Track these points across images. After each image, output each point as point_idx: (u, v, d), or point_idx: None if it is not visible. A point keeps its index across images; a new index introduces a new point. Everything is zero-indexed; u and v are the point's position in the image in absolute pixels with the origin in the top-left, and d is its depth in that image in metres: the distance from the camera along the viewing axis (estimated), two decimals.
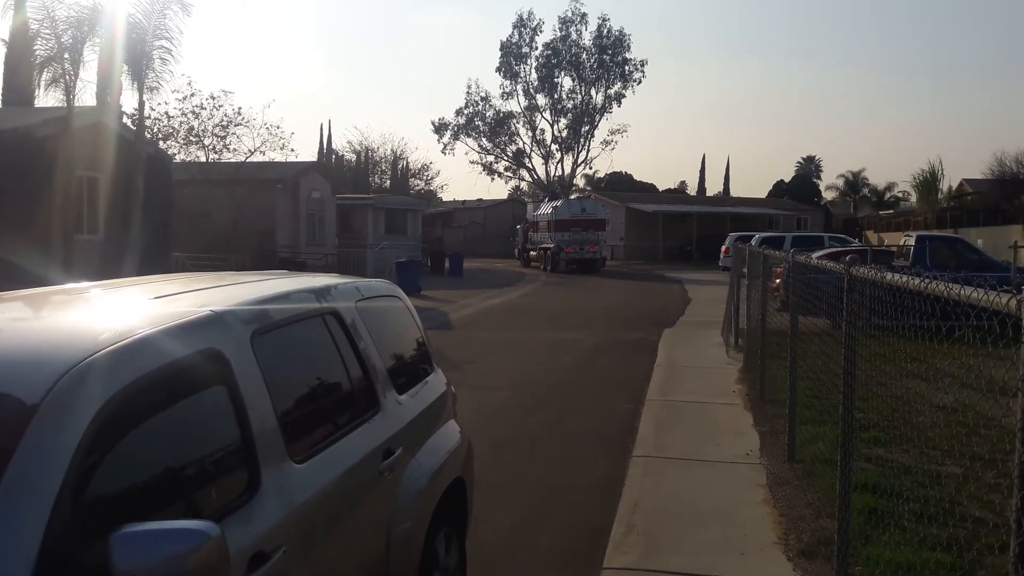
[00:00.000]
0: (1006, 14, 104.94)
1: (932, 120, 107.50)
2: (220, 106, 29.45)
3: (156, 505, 2.19)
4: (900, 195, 63.16)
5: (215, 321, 2.69)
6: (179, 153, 29.09)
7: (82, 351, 2.15)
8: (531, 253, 43.47)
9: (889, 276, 3.62)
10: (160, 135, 28.07)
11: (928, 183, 46.82)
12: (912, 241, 17.38)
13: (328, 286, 3.68)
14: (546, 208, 42.50)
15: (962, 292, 2.61)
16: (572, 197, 47.74)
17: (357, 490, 3.17)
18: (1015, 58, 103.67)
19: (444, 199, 67.56)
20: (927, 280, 3.00)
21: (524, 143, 59.37)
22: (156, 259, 19.10)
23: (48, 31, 18.29)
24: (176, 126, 28.96)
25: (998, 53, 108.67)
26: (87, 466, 1.94)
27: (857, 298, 4.41)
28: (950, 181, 50.54)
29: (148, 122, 25.14)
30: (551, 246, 39.47)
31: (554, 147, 58.93)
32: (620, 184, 67.50)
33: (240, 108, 30.76)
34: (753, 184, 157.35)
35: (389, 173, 61.04)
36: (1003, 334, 2.48)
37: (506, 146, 59.62)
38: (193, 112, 29.04)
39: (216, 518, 2.26)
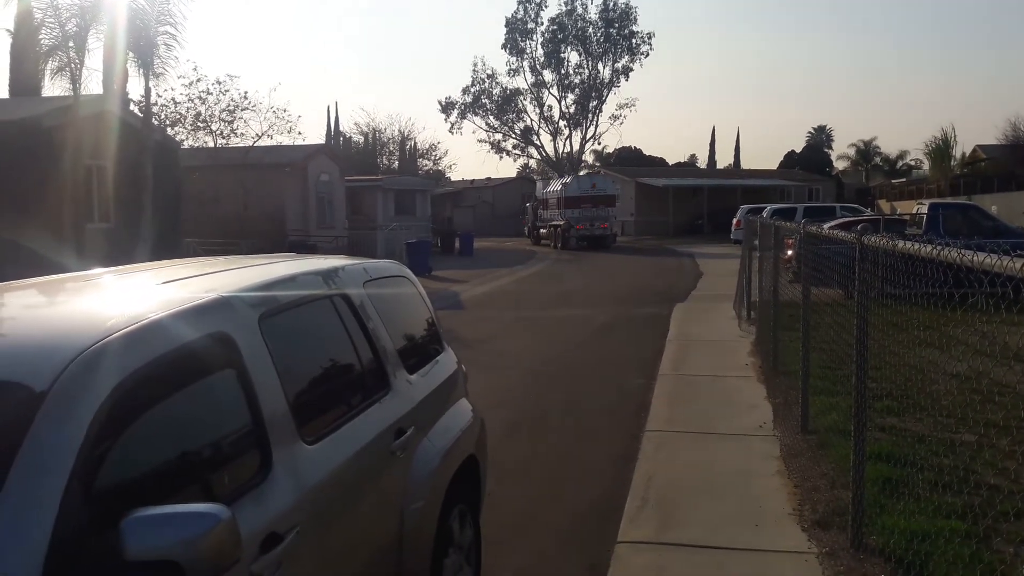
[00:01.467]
0: None
1: (944, 86, 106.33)
2: (226, 91, 29.41)
3: (167, 489, 2.20)
4: (913, 163, 62.64)
5: (223, 305, 2.69)
6: (187, 139, 29.10)
7: (90, 338, 2.15)
8: (541, 231, 43.32)
9: (901, 244, 3.58)
10: (167, 121, 28.04)
11: (941, 150, 46.31)
12: (925, 209, 17.22)
13: (335, 268, 3.67)
14: (556, 185, 42.29)
15: (975, 258, 2.57)
16: (581, 173, 47.53)
17: (369, 470, 3.18)
18: None
19: (453, 179, 67.47)
20: (940, 247, 2.96)
21: (532, 120, 59.25)
22: (167, 245, 19.15)
23: (52, 20, 18.30)
24: (183, 112, 28.93)
25: (1010, 17, 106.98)
26: (97, 453, 1.95)
27: (869, 267, 4.37)
28: (963, 148, 50.01)
29: (155, 109, 25.09)
30: (561, 223, 39.29)
31: (562, 123, 58.77)
32: (629, 159, 67.11)
33: (246, 92, 30.63)
34: (764, 156, 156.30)
35: (397, 154, 60.93)
36: (1017, 299, 2.45)
37: (514, 123, 59.47)
38: (200, 97, 29.01)
39: (228, 501, 2.27)
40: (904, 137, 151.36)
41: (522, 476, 6.15)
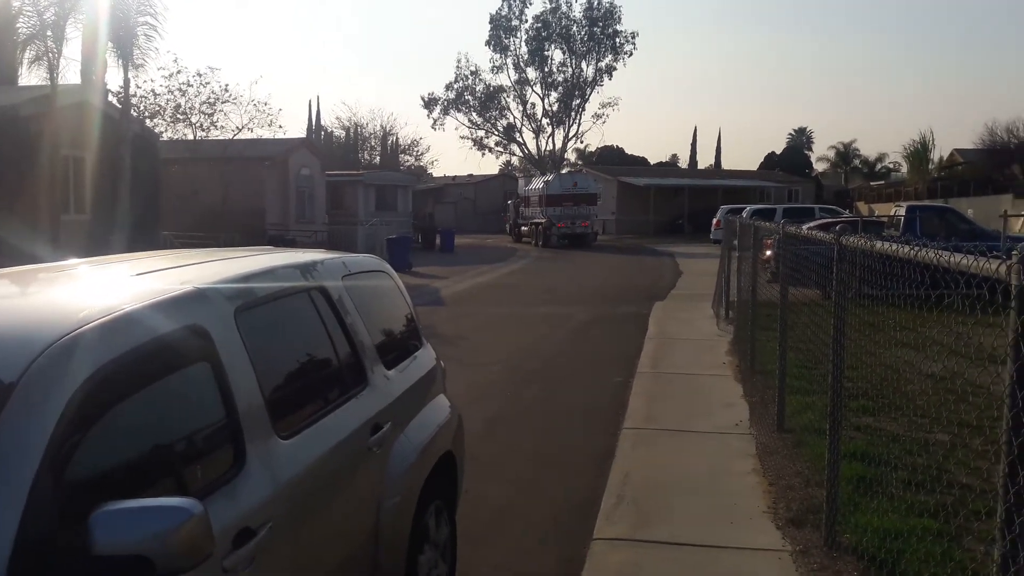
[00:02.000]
0: None
1: (923, 90, 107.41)
2: (207, 83, 29.19)
3: (139, 483, 2.17)
4: (891, 166, 63.25)
5: (198, 297, 2.66)
6: (166, 131, 28.84)
7: (61, 329, 2.12)
8: (522, 228, 43.37)
9: (879, 244, 3.61)
10: (147, 113, 27.76)
11: (919, 153, 46.77)
12: (903, 211, 17.40)
13: (314, 262, 3.64)
14: (537, 183, 42.34)
15: (952, 259, 2.59)
16: (563, 171, 47.57)
17: (345, 465, 3.15)
18: (1006, 27, 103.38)
19: (434, 175, 67.30)
20: (917, 248, 2.99)
21: (515, 117, 59.23)
22: (144, 238, 18.94)
23: (30, 8, 18.09)
24: (163, 104, 28.68)
25: (989, 22, 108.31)
26: (67, 445, 1.92)
27: (847, 267, 4.41)
28: (941, 151, 50.56)
29: (134, 100, 24.86)
30: (543, 221, 39.37)
31: (545, 121, 58.78)
32: (611, 158, 67.24)
33: (227, 85, 30.55)
34: (744, 156, 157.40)
35: (379, 149, 60.69)
36: (992, 300, 2.47)
37: (496, 120, 59.40)
38: (180, 89, 28.76)
39: (201, 495, 2.24)
40: (883, 140, 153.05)
41: (499, 473, 6.15)
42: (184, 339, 2.47)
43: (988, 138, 43.35)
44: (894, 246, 3.30)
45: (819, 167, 69.87)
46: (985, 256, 2.37)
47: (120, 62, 19.57)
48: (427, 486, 3.71)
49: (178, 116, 29.10)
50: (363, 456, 3.29)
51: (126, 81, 20.10)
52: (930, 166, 47.34)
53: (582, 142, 62.27)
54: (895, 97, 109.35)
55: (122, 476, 2.14)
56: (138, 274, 3.02)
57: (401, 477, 3.51)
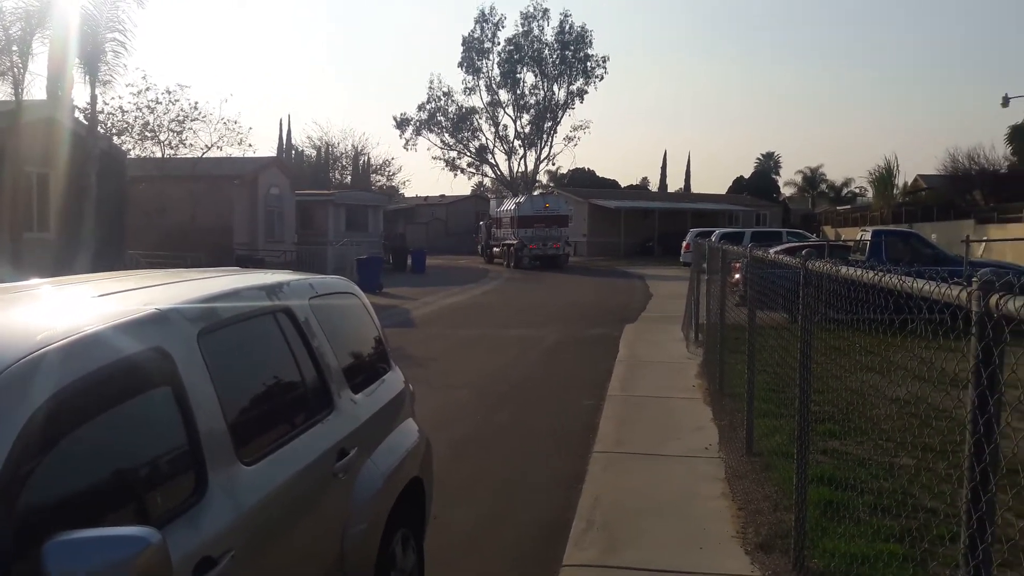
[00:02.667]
0: (958, 13, 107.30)
1: (888, 117, 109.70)
2: (176, 100, 28.90)
3: (96, 511, 2.11)
4: (857, 191, 64.38)
5: (160, 319, 2.61)
6: (134, 148, 28.47)
7: (18, 351, 2.07)
8: (494, 249, 43.43)
9: (844, 270, 3.65)
10: (114, 130, 27.42)
11: (884, 179, 47.69)
12: (868, 236, 17.66)
13: (280, 283, 3.60)
14: (509, 204, 42.50)
15: (915, 285, 2.62)
16: (535, 193, 47.80)
17: (310, 492, 3.10)
18: (968, 55, 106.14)
19: (406, 195, 67.24)
20: (881, 274, 3.02)
21: (487, 139, 59.43)
22: (110, 257, 18.67)
23: None
24: (131, 121, 28.31)
25: (952, 51, 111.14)
26: (23, 471, 1.87)
27: (813, 292, 4.45)
28: (905, 177, 51.65)
29: (101, 117, 24.53)
30: (514, 242, 39.47)
31: (517, 143, 59.04)
32: (583, 180, 67.70)
33: (197, 103, 30.27)
34: (714, 180, 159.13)
35: (350, 169, 60.57)
36: (954, 327, 2.50)
37: (469, 142, 59.57)
38: (148, 107, 28.43)
39: (160, 523, 2.20)
40: (849, 165, 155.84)
41: (468, 498, 6.09)
42: (145, 362, 2.43)
43: (950, 164, 44.41)
44: (859, 271, 3.34)
45: (787, 191, 70.98)
46: (947, 282, 2.41)
47: (87, 78, 19.36)
48: (394, 512, 3.66)
49: (146, 133, 28.78)
50: (328, 482, 3.24)
51: (93, 98, 19.88)
52: (895, 191, 48.29)
53: (554, 164, 62.67)
54: (861, 123, 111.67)
55: (79, 503, 2.09)
56: (100, 295, 2.96)
57: (367, 503, 3.46)
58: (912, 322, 3.08)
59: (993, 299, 2.06)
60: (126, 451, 2.34)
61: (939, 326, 2.78)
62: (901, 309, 3.07)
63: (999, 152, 43.77)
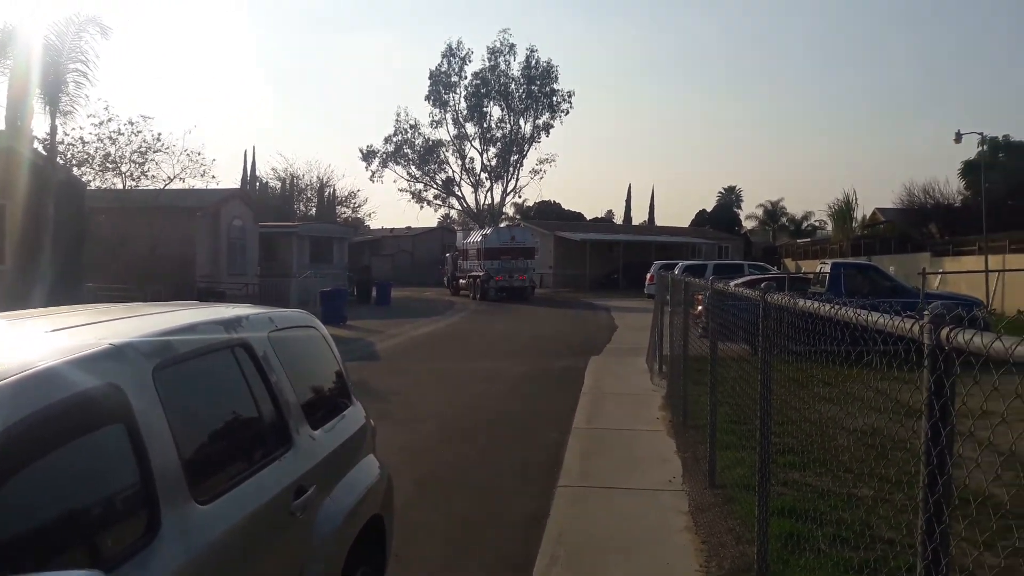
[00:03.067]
0: (913, 53, 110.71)
1: (847, 152, 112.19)
2: (139, 132, 28.69)
3: (45, 553, 2.05)
4: (817, 224, 65.59)
5: (114, 355, 2.56)
6: (95, 180, 28.13)
7: None
8: (460, 281, 43.49)
9: (801, 302, 3.70)
10: (74, 161, 27.08)
11: (843, 212, 48.72)
12: (828, 268, 17.96)
13: (238, 317, 3.55)
14: (476, 236, 42.67)
15: (870, 318, 2.66)
16: (502, 225, 48.03)
17: (267, 531, 3.04)
18: (923, 93, 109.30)
19: (372, 227, 67.07)
20: (837, 307, 3.07)
21: (454, 171, 59.75)
22: (68, 290, 18.30)
23: None
24: (92, 152, 28.02)
25: (908, 87, 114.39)
26: None
27: (772, 324, 4.50)
28: (864, 210, 52.79)
29: (61, 148, 24.26)
30: (480, 274, 39.57)
31: (483, 175, 59.43)
32: (549, 213, 68.21)
33: (160, 134, 29.99)
34: (677, 213, 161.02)
35: (315, 201, 60.29)
36: (907, 359, 2.54)
37: (435, 174, 59.81)
38: (110, 138, 28.18)
39: (111, 564, 2.15)
40: (809, 199, 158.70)
41: (432, 534, 6.01)
42: (98, 399, 2.38)
43: (907, 198, 45.53)
44: (815, 304, 3.39)
45: (748, 224, 72.13)
46: (900, 315, 2.45)
47: (48, 108, 19.15)
48: (354, 551, 3.60)
49: (107, 165, 28.49)
50: (286, 521, 3.17)
51: (53, 128, 19.65)
52: (854, 224, 49.31)
53: (520, 197, 63.12)
54: (820, 158, 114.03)
55: (25, 545, 2.03)
56: (53, 330, 2.90)
57: (326, 542, 3.39)
58: (867, 354, 3.13)
59: (944, 332, 2.10)
60: (76, 490, 2.28)
61: (893, 358, 2.83)
62: (857, 341, 3.11)
63: (953, 186, 45.09)
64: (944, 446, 2.15)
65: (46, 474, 2.14)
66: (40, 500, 2.13)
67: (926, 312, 2.21)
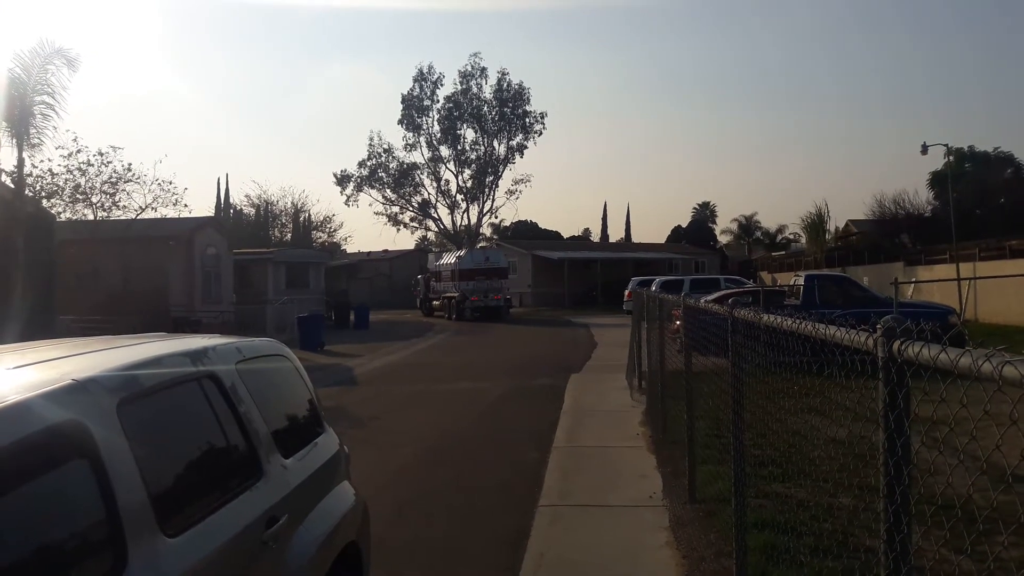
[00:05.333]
0: (880, 66, 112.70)
1: (818, 165, 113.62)
2: (109, 162, 28.48)
3: None
4: (791, 237, 66.23)
5: (77, 390, 2.55)
6: (65, 211, 27.88)
7: None
8: (434, 303, 43.82)
9: (766, 317, 3.75)
10: (43, 193, 26.80)
11: (816, 225, 49.25)
12: (802, 281, 18.15)
13: (205, 348, 3.53)
14: (450, 258, 43.01)
15: (827, 331, 2.71)
16: (478, 247, 48.21)
17: (238, 562, 3.01)
18: (890, 105, 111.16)
19: (349, 251, 66.87)
20: (798, 321, 3.12)
21: (429, 193, 59.71)
22: (40, 324, 18.03)
23: None
24: (61, 183, 27.75)
25: (875, 100, 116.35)
26: None
27: (741, 339, 4.55)
28: (836, 222, 53.47)
29: (30, 180, 24.03)
30: (456, 295, 39.89)
31: (459, 197, 59.44)
32: (526, 232, 68.43)
33: (130, 164, 29.79)
34: (653, 230, 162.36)
35: (290, 226, 60.03)
36: (864, 370, 2.59)
37: (411, 197, 59.74)
38: (80, 169, 27.95)
39: None
40: (782, 212, 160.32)
41: (410, 560, 5.97)
42: (60, 437, 2.36)
43: (878, 209, 46.16)
44: (778, 318, 3.43)
45: (723, 239, 72.75)
46: (855, 329, 2.49)
47: (15, 141, 18.99)
48: None
49: (77, 196, 28.22)
50: (258, 551, 3.15)
51: (20, 160, 19.50)
52: (827, 236, 49.84)
53: (497, 217, 63.18)
54: (792, 172, 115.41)
55: None
56: (16, 366, 2.87)
57: (301, 570, 3.37)
58: (828, 366, 3.17)
59: (896, 344, 2.14)
60: (40, 527, 2.25)
61: (851, 370, 2.88)
62: (817, 353, 3.17)
63: (922, 197, 45.82)
64: (900, 456, 2.19)
65: (7, 511, 2.12)
66: (3, 538, 2.11)
67: (879, 325, 2.25)
